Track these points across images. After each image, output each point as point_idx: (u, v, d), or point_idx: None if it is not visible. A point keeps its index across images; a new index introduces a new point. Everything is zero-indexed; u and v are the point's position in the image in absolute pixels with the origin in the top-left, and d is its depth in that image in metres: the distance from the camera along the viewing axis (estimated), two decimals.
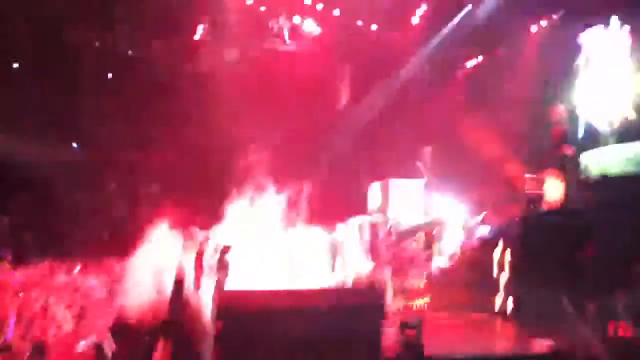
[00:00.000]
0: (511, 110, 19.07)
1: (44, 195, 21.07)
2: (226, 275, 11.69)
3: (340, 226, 14.88)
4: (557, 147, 15.36)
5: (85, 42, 21.86)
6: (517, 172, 15.46)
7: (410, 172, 17.02)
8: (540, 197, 14.36)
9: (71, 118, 22.08)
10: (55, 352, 11.29)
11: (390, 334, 10.32)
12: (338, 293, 10.85)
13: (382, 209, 16.32)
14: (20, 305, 12.70)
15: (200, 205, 13.61)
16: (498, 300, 13.65)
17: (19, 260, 17.10)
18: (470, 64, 21.91)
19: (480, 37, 20.09)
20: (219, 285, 11.30)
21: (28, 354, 10.31)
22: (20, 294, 13.42)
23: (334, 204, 14.76)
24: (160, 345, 10.27)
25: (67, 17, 20.25)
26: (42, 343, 10.78)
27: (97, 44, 22.67)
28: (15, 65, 22.72)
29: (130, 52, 23.41)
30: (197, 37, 21.76)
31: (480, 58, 21.76)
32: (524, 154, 16.90)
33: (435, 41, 20.50)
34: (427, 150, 18.18)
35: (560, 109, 15.95)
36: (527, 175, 14.62)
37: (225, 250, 11.99)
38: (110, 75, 23.69)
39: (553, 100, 16.57)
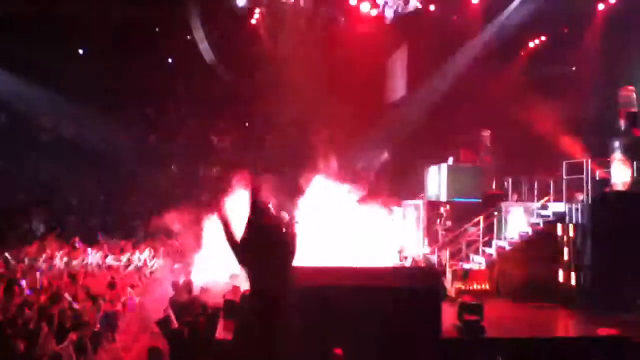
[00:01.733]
0: (576, 91, 18.44)
1: (110, 176, 21.96)
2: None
3: (399, 207, 14.92)
4: (626, 130, 14.73)
5: (146, 27, 22.42)
6: (582, 155, 14.93)
7: (468, 155, 16.78)
8: (606, 181, 13.85)
9: (133, 101, 22.83)
10: (124, 324, 11.75)
11: (450, 317, 10.20)
12: (397, 273, 10.80)
13: (439, 192, 16.18)
14: (90, 282, 13.30)
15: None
16: (561, 285, 13.30)
17: (87, 240, 17.97)
18: (532, 44, 21.23)
19: (544, 16, 19.38)
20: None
21: (99, 325, 10.72)
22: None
23: (392, 185, 14.75)
24: (222, 323, 10.54)
25: (129, 3, 20.82)
26: (111, 314, 11.20)
27: (157, 29, 23.29)
28: (81, 51, 23.68)
29: (188, 37, 23.92)
30: (253, 21, 21.97)
31: (543, 38, 21.05)
32: (590, 136, 16.31)
33: (496, 21, 19.94)
34: (487, 133, 17.85)
35: (630, 91, 15.26)
36: (592, 159, 14.08)
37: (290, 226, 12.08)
38: (170, 60, 24.36)
39: (622, 81, 15.88)
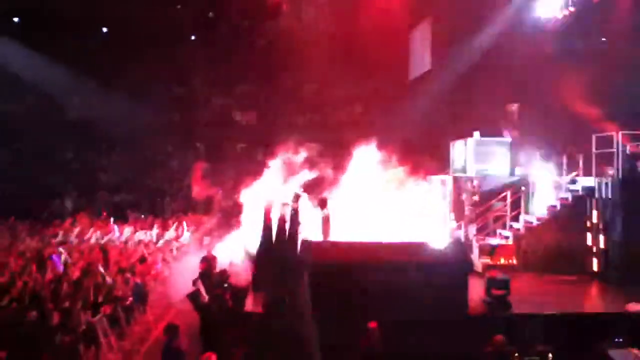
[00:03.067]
0: (606, 64, 17.98)
1: (137, 154, 22.21)
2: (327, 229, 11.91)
3: (425, 183, 14.84)
4: None
5: (169, 5, 22.46)
6: (612, 128, 14.62)
7: (496, 129, 16.56)
8: (637, 155, 13.55)
9: (160, 81, 22.97)
10: (154, 297, 12.03)
11: (476, 292, 10.20)
12: (422, 248, 10.80)
13: (466, 167, 16.04)
14: (121, 257, 13.59)
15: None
16: (589, 260, 13.19)
17: (118, 216, 18.26)
18: (561, 15, 20.65)
19: None
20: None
21: (130, 298, 10.98)
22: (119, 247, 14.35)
23: (419, 160, 14.63)
24: (251, 297, 10.71)
25: None
26: (142, 288, 11.45)
27: (178, 6, 23.31)
28: (104, 29, 23.82)
29: (211, 14, 23.93)
30: None
31: (572, 9, 20.48)
32: (620, 109, 15.96)
33: None
34: (514, 106, 17.56)
35: None
36: (623, 132, 13.81)
37: (323, 201, 12.15)
38: (193, 37, 24.39)
39: None
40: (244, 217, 13.32)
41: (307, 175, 13.28)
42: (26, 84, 21.54)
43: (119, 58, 21.65)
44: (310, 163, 13.65)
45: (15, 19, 22.73)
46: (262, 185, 13.11)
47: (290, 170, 13.15)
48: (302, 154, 13.58)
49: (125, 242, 14.87)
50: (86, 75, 21.57)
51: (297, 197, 12.11)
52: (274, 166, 13.16)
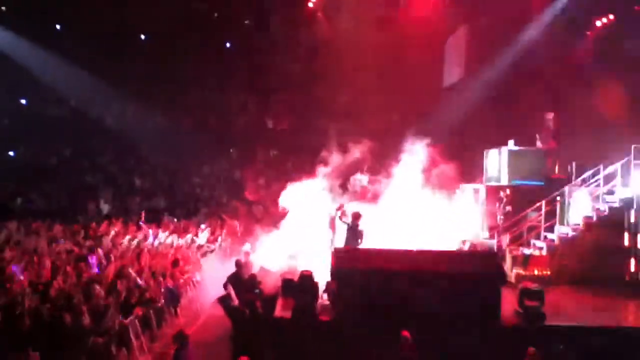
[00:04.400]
0: None
1: (172, 159, 22.53)
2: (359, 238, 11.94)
3: (457, 192, 14.72)
4: None
5: (206, 14, 22.81)
6: None
7: (531, 138, 16.31)
8: None
9: (195, 87, 23.33)
10: (186, 300, 12.15)
11: (509, 303, 10.03)
12: (455, 258, 10.70)
13: (500, 176, 15.81)
14: (154, 260, 13.76)
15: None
16: (627, 273, 12.84)
17: (152, 220, 18.52)
18: (599, 22, 20.35)
19: None
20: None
21: (163, 300, 11.12)
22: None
23: (452, 168, 14.50)
24: (280, 301, 10.74)
25: None
26: (174, 291, 11.58)
27: (215, 15, 23.65)
28: (142, 37, 24.28)
29: (247, 22, 24.22)
30: (310, 4, 22.00)
31: (611, 16, 20.13)
32: None
33: None
34: (550, 116, 17.27)
35: None
36: None
37: (356, 216, 12.20)
38: (228, 44, 24.70)
39: None
40: (285, 223, 13.41)
41: (352, 182, 13.39)
42: (64, 90, 22.09)
43: (155, 64, 22.04)
44: (350, 169, 13.75)
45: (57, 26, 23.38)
46: (305, 191, 13.22)
47: (334, 177, 13.29)
48: (343, 160, 13.70)
49: (159, 246, 15.07)
50: (123, 82, 21.98)
51: (341, 207, 12.20)
52: (319, 172, 13.30)
